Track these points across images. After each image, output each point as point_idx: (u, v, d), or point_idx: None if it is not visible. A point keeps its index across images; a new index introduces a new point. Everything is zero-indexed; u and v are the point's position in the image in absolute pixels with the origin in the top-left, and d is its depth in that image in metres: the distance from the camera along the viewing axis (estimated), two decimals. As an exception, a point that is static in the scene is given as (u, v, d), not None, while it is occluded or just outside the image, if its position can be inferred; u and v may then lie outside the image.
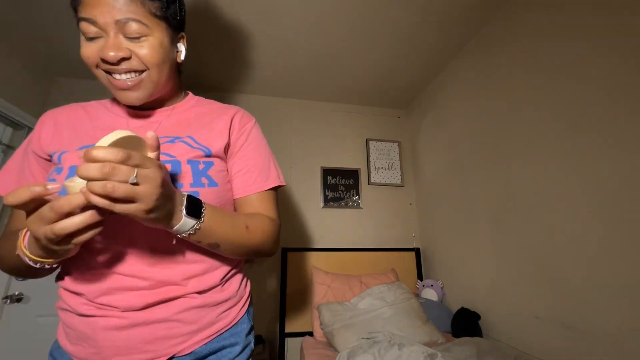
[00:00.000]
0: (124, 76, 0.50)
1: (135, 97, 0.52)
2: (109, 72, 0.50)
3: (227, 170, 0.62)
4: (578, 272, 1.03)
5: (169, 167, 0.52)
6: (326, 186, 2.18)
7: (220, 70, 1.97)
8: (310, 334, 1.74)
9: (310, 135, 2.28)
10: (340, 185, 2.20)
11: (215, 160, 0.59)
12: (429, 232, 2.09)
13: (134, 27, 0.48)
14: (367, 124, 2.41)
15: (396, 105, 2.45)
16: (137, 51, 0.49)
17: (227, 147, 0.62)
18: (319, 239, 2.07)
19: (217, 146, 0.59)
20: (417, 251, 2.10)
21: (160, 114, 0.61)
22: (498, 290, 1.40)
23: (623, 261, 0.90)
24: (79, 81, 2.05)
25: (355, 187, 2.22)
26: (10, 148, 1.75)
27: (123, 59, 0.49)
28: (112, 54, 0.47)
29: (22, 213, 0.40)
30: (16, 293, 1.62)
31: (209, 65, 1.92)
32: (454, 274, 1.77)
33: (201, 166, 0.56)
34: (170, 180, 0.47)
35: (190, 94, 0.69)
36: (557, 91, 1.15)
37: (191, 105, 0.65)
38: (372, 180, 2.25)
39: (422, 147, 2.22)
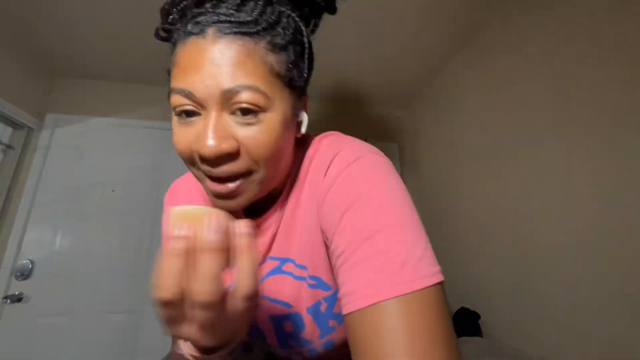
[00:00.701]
0: (219, 175, 0.33)
1: (235, 204, 0.35)
2: (199, 168, 0.35)
3: None
4: (578, 272, 1.03)
5: (289, 325, 0.43)
6: (326, 186, 2.17)
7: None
8: (311, 334, 1.74)
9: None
10: (341, 185, 2.20)
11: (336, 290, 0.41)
12: (428, 232, 2.08)
13: (248, 97, 0.31)
14: (367, 124, 2.41)
15: (396, 105, 2.45)
16: (248, 141, 0.32)
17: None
18: (319, 239, 2.07)
19: (329, 273, 0.40)
20: (417, 251, 2.10)
21: (271, 219, 0.43)
22: (498, 290, 1.40)
23: (623, 261, 0.90)
24: (79, 81, 2.04)
25: (355, 187, 2.21)
26: (10, 148, 1.75)
27: (228, 154, 0.32)
28: (211, 143, 0.31)
29: None
30: (16, 293, 1.62)
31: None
32: (453, 273, 1.77)
33: (323, 307, 0.41)
34: (294, 334, 0.42)
35: (305, 161, 0.44)
36: (558, 91, 1.16)
37: (303, 192, 0.42)
38: (372, 181, 2.25)
39: (422, 147, 2.22)
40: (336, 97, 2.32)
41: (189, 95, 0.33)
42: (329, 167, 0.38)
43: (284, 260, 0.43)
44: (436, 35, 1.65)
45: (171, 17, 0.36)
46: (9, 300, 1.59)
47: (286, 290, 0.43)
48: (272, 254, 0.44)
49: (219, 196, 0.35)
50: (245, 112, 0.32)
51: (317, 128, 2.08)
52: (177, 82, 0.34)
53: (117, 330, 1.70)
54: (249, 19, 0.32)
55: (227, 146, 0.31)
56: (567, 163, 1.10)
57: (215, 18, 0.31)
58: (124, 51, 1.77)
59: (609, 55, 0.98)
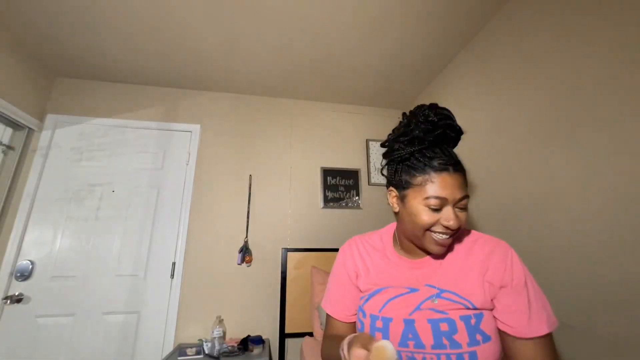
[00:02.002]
0: (445, 236, 0.63)
1: (443, 250, 0.65)
2: (437, 232, 0.63)
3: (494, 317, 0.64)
4: (579, 272, 1.03)
5: (445, 325, 0.61)
6: (326, 186, 2.18)
7: (221, 70, 1.97)
8: (310, 334, 1.74)
9: (310, 135, 2.28)
10: (340, 185, 2.20)
11: (484, 312, 0.62)
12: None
13: (465, 202, 0.63)
14: (367, 124, 2.41)
15: (396, 105, 2.45)
16: (462, 220, 0.63)
17: (494, 294, 0.63)
18: (319, 239, 2.07)
19: (481, 299, 0.62)
20: (417, 251, 2.10)
21: (427, 263, 0.70)
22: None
23: (624, 261, 0.90)
24: (79, 81, 2.05)
25: (355, 188, 2.22)
26: (10, 149, 1.75)
27: (457, 228, 0.62)
28: (454, 224, 0.60)
29: (347, 326, 0.75)
30: (16, 293, 1.63)
31: (208, 68, 1.92)
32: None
33: (473, 321, 0.61)
34: (448, 334, 0.60)
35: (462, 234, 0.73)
36: (558, 91, 1.16)
37: (451, 248, 0.70)
38: (372, 181, 2.25)
39: (422, 148, 2.22)
40: (336, 97, 2.32)
41: (443, 199, 0.61)
42: (482, 242, 0.69)
43: (443, 290, 0.65)
44: (436, 35, 1.65)
45: (409, 149, 0.66)
46: (9, 301, 1.59)
47: (442, 306, 0.63)
48: (432, 282, 0.67)
49: (440, 244, 0.64)
50: (462, 207, 0.63)
51: (317, 128, 2.08)
52: (435, 192, 0.62)
53: (117, 330, 1.71)
54: (459, 160, 0.67)
55: (459, 223, 0.62)
56: (565, 163, 1.10)
57: (452, 161, 0.64)
58: (124, 52, 1.78)
59: (610, 55, 0.98)
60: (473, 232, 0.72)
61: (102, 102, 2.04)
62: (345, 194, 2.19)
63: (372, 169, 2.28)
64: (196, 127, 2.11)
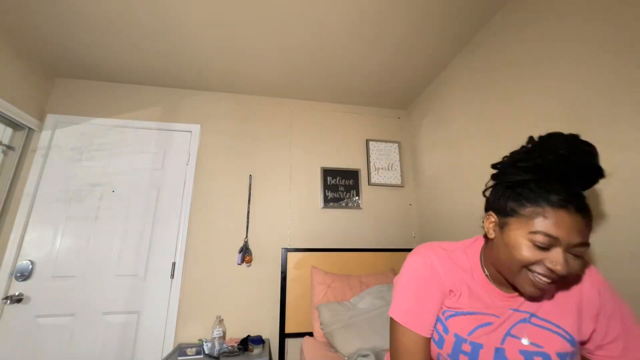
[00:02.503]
0: (546, 280, 0.56)
1: (539, 295, 0.59)
2: (538, 274, 0.56)
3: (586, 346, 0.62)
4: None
5: None
6: (326, 186, 2.18)
7: (221, 70, 1.97)
8: (310, 334, 1.74)
9: (310, 135, 2.28)
10: (340, 185, 2.20)
11: (577, 351, 0.60)
12: (429, 232, 2.09)
13: (582, 250, 0.55)
14: (367, 124, 2.41)
15: (396, 105, 2.45)
16: (574, 269, 0.56)
17: (592, 325, 0.61)
18: (319, 239, 2.07)
19: (575, 328, 0.59)
20: (417, 251, 2.10)
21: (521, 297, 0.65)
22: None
23: (624, 260, 0.90)
24: (79, 81, 2.05)
25: (355, 188, 2.22)
26: (10, 149, 1.75)
27: (564, 275, 0.55)
28: (564, 272, 0.54)
29: (426, 342, 0.65)
30: (16, 293, 1.63)
31: (208, 68, 1.92)
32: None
33: (570, 350, 0.58)
34: None
35: None
36: (557, 91, 1.16)
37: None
38: (372, 181, 2.25)
39: (422, 148, 2.22)
40: (336, 97, 2.32)
41: (554, 239, 0.54)
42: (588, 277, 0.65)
43: (532, 315, 0.62)
44: (436, 36, 1.65)
45: (525, 176, 0.60)
46: (9, 301, 1.59)
47: (539, 337, 0.60)
48: (523, 307, 0.63)
49: (537, 289, 0.57)
50: (578, 254, 0.55)
51: (317, 128, 2.08)
52: (546, 229, 0.54)
53: (117, 330, 1.71)
54: (586, 202, 0.56)
55: (568, 271, 0.54)
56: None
57: (575, 199, 0.55)
58: (124, 52, 1.78)
59: (611, 56, 0.98)
60: None
61: (102, 102, 2.04)
62: (345, 194, 2.19)
63: (372, 169, 2.28)
64: (196, 127, 2.12)
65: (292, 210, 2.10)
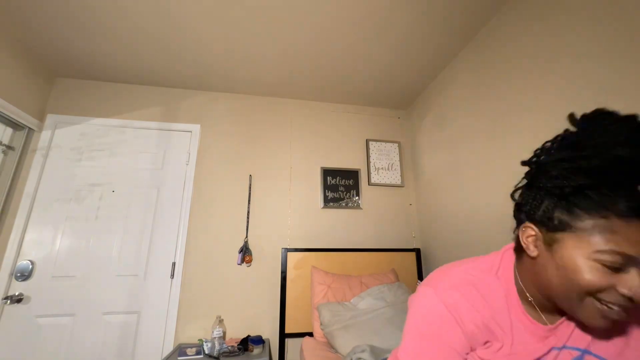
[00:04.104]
0: (619, 308, 0.44)
1: (609, 325, 0.46)
2: (607, 304, 0.44)
3: None
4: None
5: None
6: (326, 186, 2.18)
7: (221, 70, 1.97)
8: (310, 334, 1.74)
9: (310, 135, 2.28)
10: (340, 185, 2.20)
11: None
12: (429, 232, 2.09)
13: None
14: (367, 124, 2.41)
15: (396, 105, 2.45)
16: None
17: None
18: (319, 239, 2.07)
19: None
20: (417, 251, 2.10)
21: (565, 322, 0.54)
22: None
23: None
24: (79, 81, 2.05)
25: (355, 188, 2.22)
26: (10, 149, 1.75)
27: None
28: None
29: None
30: (16, 293, 1.63)
31: (208, 68, 1.92)
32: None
33: None
34: None
35: None
36: (557, 91, 1.16)
37: None
38: (372, 181, 2.25)
39: (422, 148, 2.22)
40: (336, 97, 2.32)
41: (630, 258, 0.42)
42: None
43: (585, 352, 0.51)
44: (436, 36, 1.65)
45: (578, 181, 0.45)
46: (9, 301, 1.59)
47: None
48: (569, 343, 0.52)
49: (606, 317, 0.45)
50: None
51: (317, 128, 2.07)
52: (619, 247, 0.42)
53: (117, 330, 1.71)
54: None
55: None
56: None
57: None
58: (124, 52, 1.78)
59: (612, 55, 0.98)
60: None
61: (102, 102, 2.04)
62: (345, 194, 2.19)
63: (372, 169, 2.28)
64: (196, 127, 2.11)
65: (292, 210, 2.10)
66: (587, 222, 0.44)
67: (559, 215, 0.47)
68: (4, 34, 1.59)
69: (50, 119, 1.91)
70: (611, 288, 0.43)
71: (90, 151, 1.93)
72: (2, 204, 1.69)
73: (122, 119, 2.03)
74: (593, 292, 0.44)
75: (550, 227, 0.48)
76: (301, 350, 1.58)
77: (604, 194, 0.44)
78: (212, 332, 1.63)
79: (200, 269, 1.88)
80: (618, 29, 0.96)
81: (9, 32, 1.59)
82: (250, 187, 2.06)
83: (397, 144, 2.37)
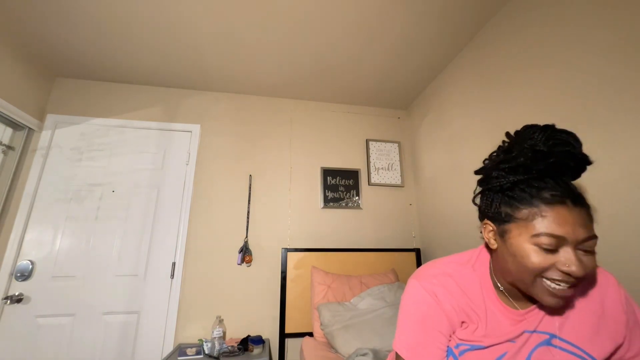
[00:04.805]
0: (564, 285, 0.51)
1: (561, 304, 0.53)
2: (553, 280, 0.51)
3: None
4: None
5: None
6: (326, 186, 2.18)
7: (221, 70, 1.97)
8: (310, 334, 1.74)
9: (310, 136, 2.28)
10: (340, 185, 2.20)
11: None
12: (429, 232, 2.09)
13: (592, 243, 0.51)
14: (367, 124, 2.41)
15: (396, 105, 2.45)
16: (589, 266, 0.50)
17: (620, 339, 0.57)
18: (319, 239, 2.07)
19: (605, 351, 0.55)
20: (417, 251, 2.10)
21: (536, 308, 0.60)
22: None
23: (623, 260, 0.90)
24: (79, 81, 2.05)
25: (355, 188, 2.22)
26: (10, 149, 1.75)
27: (582, 276, 0.50)
28: (580, 272, 0.49)
29: None
30: (16, 293, 1.63)
31: (208, 68, 1.92)
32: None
33: None
34: None
35: None
36: (557, 91, 1.16)
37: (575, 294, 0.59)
38: (372, 181, 2.25)
39: (422, 148, 2.22)
40: (336, 97, 2.32)
41: (559, 239, 0.49)
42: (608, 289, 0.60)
43: (553, 336, 0.57)
44: (436, 36, 1.65)
45: (511, 178, 0.55)
46: (9, 301, 1.59)
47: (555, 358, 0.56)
48: (540, 328, 0.58)
49: (557, 298, 0.51)
50: (588, 249, 0.50)
51: (317, 128, 2.07)
52: (548, 229, 0.50)
53: (117, 330, 1.71)
54: (580, 193, 0.53)
55: (584, 270, 0.49)
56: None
57: (569, 192, 0.52)
58: (124, 52, 1.78)
59: (612, 55, 0.98)
60: None
61: (102, 102, 2.04)
62: (345, 194, 2.19)
63: (372, 169, 2.28)
64: (196, 127, 2.11)
65: (292, 210, 2.10)
66: (524, 212, 0.53)
67: (504, 209, 0.56)
68: (4, 34, 1.59)
69: (50, 119, 1.91)
70: (553, 267, 0.50)
71: (90, 151, 1.93)
72: (2, 204, 1.69)
73: (122, 119, 2.03)
74: (540, 273, 0.51)
75: (501, 221, 0.57)
76: (301, 351, 1.58)
77: (532, 186, 0.53)
78: (212, 332, 1.63)
79: (200, 269, 1.88)
80: (619, 27, 0.96)
81: (9, 32, 1.59)
82: (250, 187, 2.06)
83: (397, 144, 2.37)
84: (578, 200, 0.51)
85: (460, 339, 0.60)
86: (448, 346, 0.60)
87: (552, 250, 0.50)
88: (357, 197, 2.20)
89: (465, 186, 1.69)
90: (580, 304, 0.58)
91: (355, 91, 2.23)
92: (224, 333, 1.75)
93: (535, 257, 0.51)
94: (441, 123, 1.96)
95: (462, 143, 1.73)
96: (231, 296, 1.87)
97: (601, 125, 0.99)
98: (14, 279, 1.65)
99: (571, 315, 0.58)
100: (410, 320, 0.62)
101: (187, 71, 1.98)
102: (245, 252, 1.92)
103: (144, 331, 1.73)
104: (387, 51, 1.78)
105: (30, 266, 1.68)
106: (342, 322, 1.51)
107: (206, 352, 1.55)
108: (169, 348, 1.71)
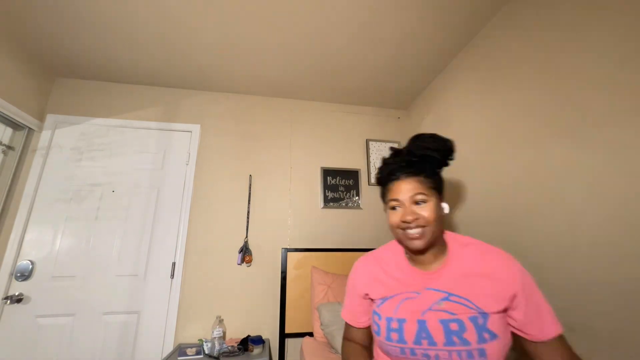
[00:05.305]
0: (414, 230, 0.75)
1: (420, 243, 0.74)
2: (404, 229, 0.76)
3: (505, 318, 0.71)
4: (578, 273, 1.03)
5: (454, 325, 0.68)
6: (326, 186, 2.18)
7: (221, 70, 1.97)
8: (310, 334, 1.74)
9: (310, 135, 2.28)
10: (340, 185, 2.20)
11: (492, 315, 0.69)
12: (429, 232, 2.09)
13: (419, 197, 0.76)
14: (367, 124, 2.41)
15: (396, 105, 2.45)
16: (421, 213, 0.75)
17: (507, 302, 0.70)
18: (319, 239, 2.07)
19: (492, 307, 0.69)
20: (417, 251, 2.10)
21: (438, 274, 0.77)
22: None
23: (623, 261, 0.90)
24: (79, 81, 2.05)
25: (355, 188, 2.22)
26: (10, 149, 1.75)
27: (415, 220, 0.74)
28: (410, 218, 0.74)
29: (360, 331, 0.89)
30: (16, 293, 1.63)
31: (208, 68, 1.92)
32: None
33: (480, 321, 0.68)
34: (458, 333, 0.67)
35: (450, 241, 0.82)
36: (558, 91, 1.16)
37: (457, 257, 0.78)
38: (372, 181, 2.25)
39: (422, 148, 2.22)
40: (336, 97, 2.32)
41: (397, 200, 0.78)
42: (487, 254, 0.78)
43: (450, 294, 0.73)
44: (437, 35, 1.65)
45: (384, 172, 0.84)
46: (9, 301, 1.59)
47: (455, 308, 0.71)
48: (434, 286, 0.75)
49: (412, 238, 0.75)
50: (418, 202, 0.76)
51: (317, 128, 2.08)
52: (391, 196, 0.80)
53: (117, 330, 1.71)
54: (413, 170, 0.79)
55: (413, 216, 0.75)
56: (566, 163, 1.10)
57: (401, 171, 0.79)
58: (124, 52, 1.78)
59: (612, 54, 0.98)
60: (474, 240, 0.81)
61: (102, 102, 2.04)
62: (345, 194, 2.19)
63: (372, 169, 2.28)
64: (196, 127, 2.12)
65: (292, 210, 2.10)
66: (385, 190, 0.83)
67: (383, 191, 0.84)
68: (4, 34, 1.59)
69: (50, 119, 1.91)
70: (400, 220, 0.76)
71: (90, 151, 1.93)
72: (2, 204, 1.69)
73: (122, 119, 2.03)
74: (397, 226, 0.77)
75: (384, 201, 0.83)
76: (301, 351, 1.58)
77: (384, 175, 0.83)
78: (212, 332, 1.63)
79: (200, 269, 1.88)
80: (621, 26, 0.96)
81: (9, 32, 1.59)
82: (250, 187, 2.06)
83: (397, 144, 2.37)
84: (408, 174, 0.78)
85: (375, 298, 0.83)
86: (374, 310, 0.82)
87: (396, 208, 0.78)
88: (357, 197, 2.20)
89: (465, 186, 1.69)
90: (474, 272, 0.74)
91: (355, 91, 2.23)
92: (224, 333, 1.75)
93: (391, 216, 0.79)
94: (441, 123, 1.96)
95: (462, 143, 1.73)
96: (231, 296, 1.87)
97: (600, 125, 0.99)
98: (14, 279, 1.65)
99: (464, 280, 0.74)
100: (346, 293, 0.93)
101: (187, 71, 1.98)
102: (245, 252, 1.92)
103: (144, 331, 1.73)
104: (387, 51, 1.78)
105: (30, 266, 1.68)
106: (342, 322, 1.51)
107: (206, 352, 1.55)
108: (169, 348, 1.72)
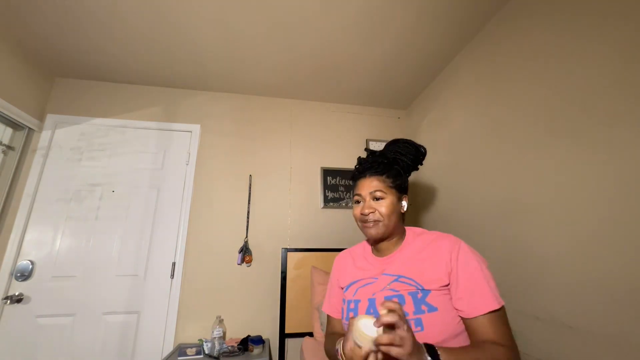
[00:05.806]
0: (367, 222, 0.89)
1: (374, 232, 0.88)
2: (364, 221, 0.89)
3: (449, 294, 0.77)
4: (578, 273, 1.03)
5: (396, 300, 0.70)
6: (326, 186, 2.18)
7: (221, 70, 1.97)
8: (310, 334, 1.74)
9: (310, 135, 2.28)
10: (340, 185, 2.20)
11: (432, 291, 0.77)
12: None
13: (378, 194, 0.88)
14: (367, 124, 2.41)
15: (396, 105, 2.45)
16: (378, 208, 0.87)
17: (446, 279, 0.78)
18: (319, 239, 2.07)
19: (432, 284, 0.78)
20: (417, 251, 2.10)
21: (392, 258, 0.90)
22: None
23: (622, 261, 0.90)
24: (79, 81, 2.05)
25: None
26: (10, 149, 1.75)
27: (371, 213, 0.88)
28: (367, 211, 0.88)
29: (338, 321, 0.98)
30: (16, 293, 1.63)
31: (211, 67, 1.92)
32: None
33: (419, 295, 0.77)
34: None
35: (408, 232, 0.95)
36: (558, 91, 1.16)
37: (409, 244, 0.90)
38: (372, 181, 2.25)
39: (422, 148, 2.22)
40: (336, 97, 2.32)
41: (359, 195, 0.92)
42: (437, 239, 0.88)
43: (399, 276, 0.83)
44: (437, 35, 1.65)
45: (356, 170, 0.98)
46: (9, 301, 1.59)
47: (399, 287, 0.81)
48: (388, 272, 0.86)
49: (370, 229, 0.89)
50: (377, 198, 0.89)
51: (317, 128, 2.08)
52: (355, 192, 0.94)
53: (117, 330, 1.71)
54: (377, 171, 0.92)
55: (370, 210, 0.88)
56: (566, 163, 1.10)
57: (365, 171, 0.93)
58: (124, 52, 1.78)
59: (611, 54, 0.98)
60: (429, 231, 0.92)
61: (102, 102, 2.04)
62: (345, 194, 2.19)
63: (372, 169, 2.27)
64: (196, 127, 2.12)
65: (292, 210, 2.10)
66: (354, 185, 0.96)
67: (353, 187, 0.97)
68: (4, 34, 1.59)
69: (50, 119, 1.92)
70: (359, 213, 0.90)
71: (90, 151, 1.93)
72: (2, 204, 1.69)
73: (122, 119, 2.03)
74: (358, 218, 0.91)
75: (352, 195, 0.96)
76: (301, 351, 1.58)
77: (355, 173, 0.97)
78: (212, 332, 1.63)
79: (200, 269, 1.88)
80: (622, 27, 0.96)
81: (9, 32, 1.59)
82: (250, 187, 2.06)
83: (397, 144, 2.37)
84: (372, 174, 0.91)
85: (344, 286, 0.95)
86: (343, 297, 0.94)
87: (359, 202, 0.91)
88: (357, 197, 2.20)
89: (465, 186, 1.69)
90: (420, 256, 0.84)
91: (355, 91, 2.23)
92: (224, 333, 1.75)
93: (355, 209, 0.92)
94: (441, 123, 1.96)
95: (462, 143, 1.73)
96: (231, 296, 1.87)
97: (600, 125, 0.99)
98: (14, 279, 1.65)
99: (411, 263, 0.84)
100: (327, 286, 1.07)
101: (187, 71, 1.98)
102: (245, 252, 1.92)
103: (144, 331, 1.73)
104: (387, 51, 1.78)
105: (30, 266, 1.68)
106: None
107: (206, 352, 1.55)
108: (169, 348, 1.72)
